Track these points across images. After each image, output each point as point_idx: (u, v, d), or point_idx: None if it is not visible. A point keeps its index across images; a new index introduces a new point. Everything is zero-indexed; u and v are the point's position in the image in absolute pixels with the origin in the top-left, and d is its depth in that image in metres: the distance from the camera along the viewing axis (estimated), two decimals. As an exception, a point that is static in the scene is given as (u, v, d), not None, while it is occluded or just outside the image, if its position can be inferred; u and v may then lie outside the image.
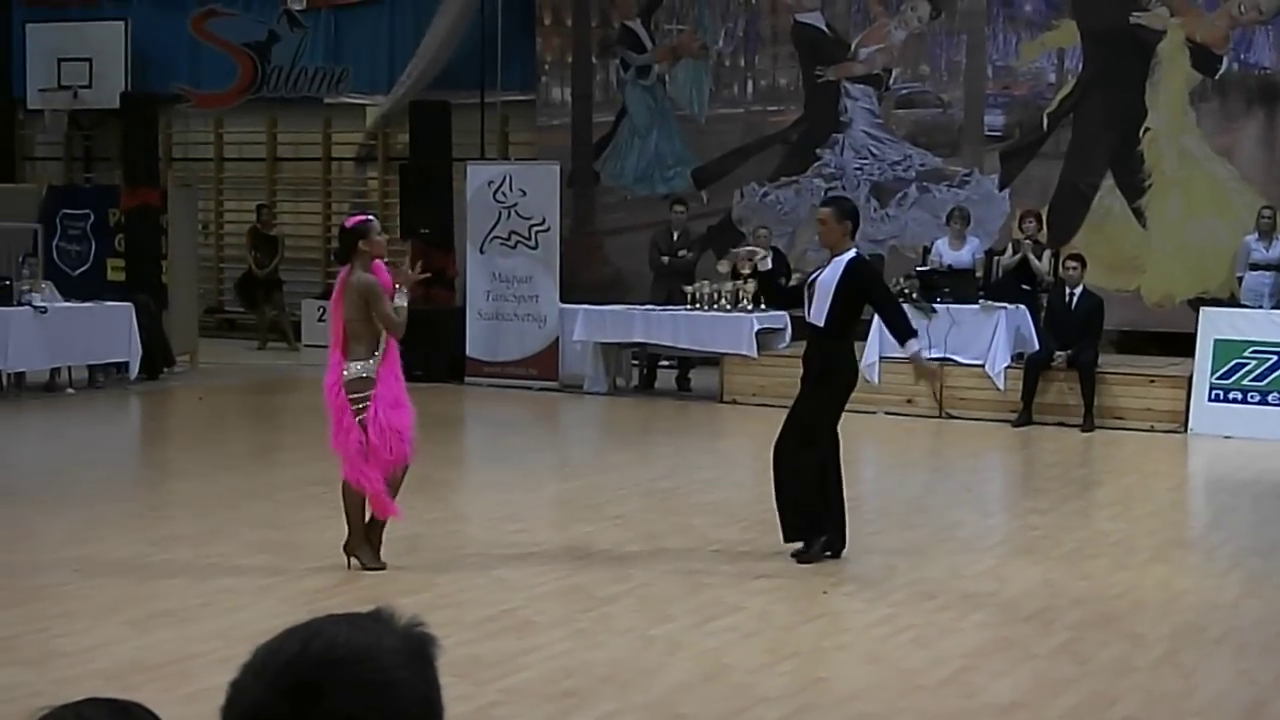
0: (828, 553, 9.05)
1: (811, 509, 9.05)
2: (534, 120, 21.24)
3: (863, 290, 9.07)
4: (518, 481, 11.92)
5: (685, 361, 17.40)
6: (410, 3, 22.13)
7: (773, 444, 9.31)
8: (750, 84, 19.90)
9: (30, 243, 20.11)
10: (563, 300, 17.62)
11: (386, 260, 9.14)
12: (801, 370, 9.39)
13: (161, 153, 22.08)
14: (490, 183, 17.97)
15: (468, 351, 17.91)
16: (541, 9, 21.08)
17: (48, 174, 24.67)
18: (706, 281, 16.89)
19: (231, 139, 23.93)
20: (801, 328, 16.93)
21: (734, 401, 16.33)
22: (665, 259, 17.68)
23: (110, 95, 22.64)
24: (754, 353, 16.28)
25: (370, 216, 9.52)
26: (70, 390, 16.88)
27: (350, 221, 9.14)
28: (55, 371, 16.94)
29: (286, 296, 21.91)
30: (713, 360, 16.80)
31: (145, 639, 7.31)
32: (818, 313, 9.02)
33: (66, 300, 17.09)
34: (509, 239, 17.80)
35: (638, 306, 17.21)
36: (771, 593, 8.39)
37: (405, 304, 8.91)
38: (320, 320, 21.73)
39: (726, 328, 16.38)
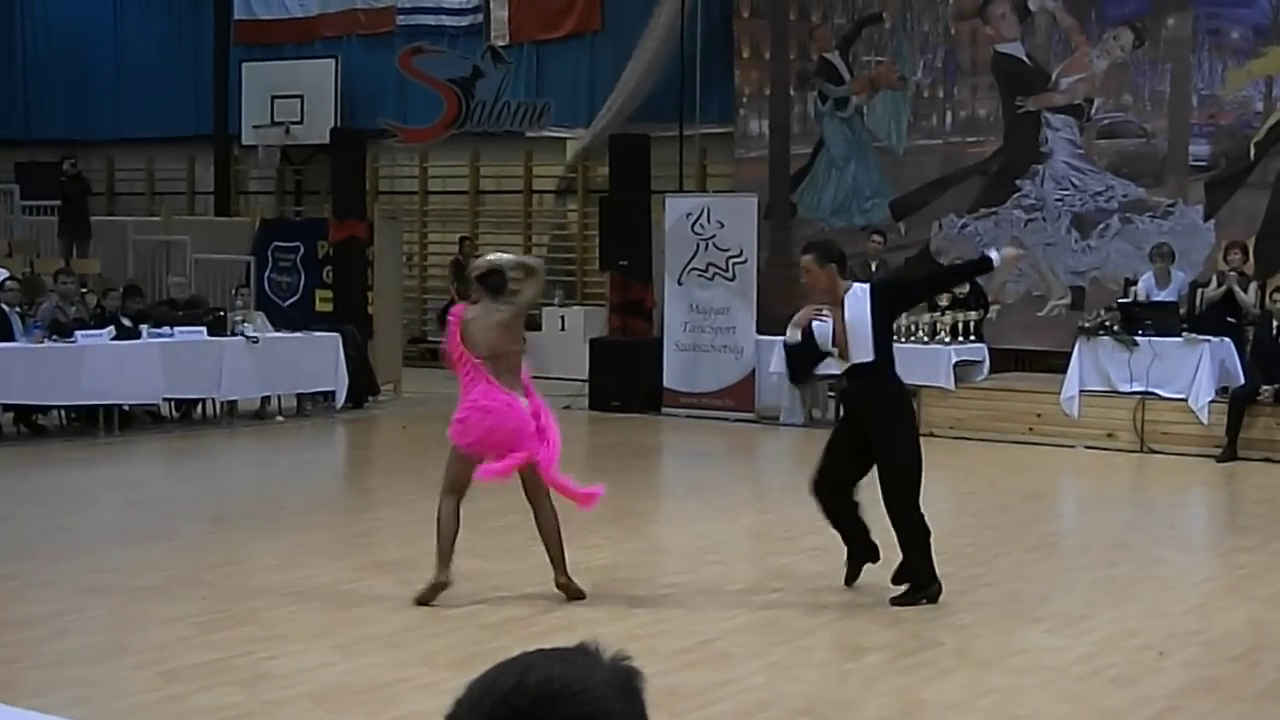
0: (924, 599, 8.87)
1: (922, 558, 8.89)
2: (732, 152, 21.36)
3: (903, 294, 8.96)
4: (714, 513, 11.99)
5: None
6: (611, 37, 22.41)
7: (816, 482, 9.17)
8: (949, 115, 19.78)
9: (243, 274, 20.76)
10: (759, 332, 17.67)
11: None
12: (853, 414, 9.22)
13: (368, 186, 22.64)
14: (688, 215, 18.12)
15: (665, 382, 18.05)
16: (740, 42, 21.20)
17: (260, 208, 25.44)
18: (904, 313, 16.81)
19: (435, 173, 24.43)
20: (1002, 360, 16.90)
21: (931, 434, 16.20)
22: (863, 291, 17.63)
23: (320, 131, 23.30)
24: (951, 385, 16.19)
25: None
26: (280, 418, 17.36)
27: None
28: (265, 400, 17.43)
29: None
30: (910, 391, 16.69)
31: (352, 663, 7.49)
32: (862, 350, 8.80)
33: (277, 330, 17.56)
34: (706, 271, 17.92)
35: (834, 338, 17.18)
36: (969, 628, 8.33)
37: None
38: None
39: (924, 359, 16.30)
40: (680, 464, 15.81)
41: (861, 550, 9.13)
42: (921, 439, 9.26)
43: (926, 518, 8.91)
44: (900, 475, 8.84)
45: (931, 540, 8.88)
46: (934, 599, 8.85)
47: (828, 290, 8.85)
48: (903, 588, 8.88)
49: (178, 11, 26.44)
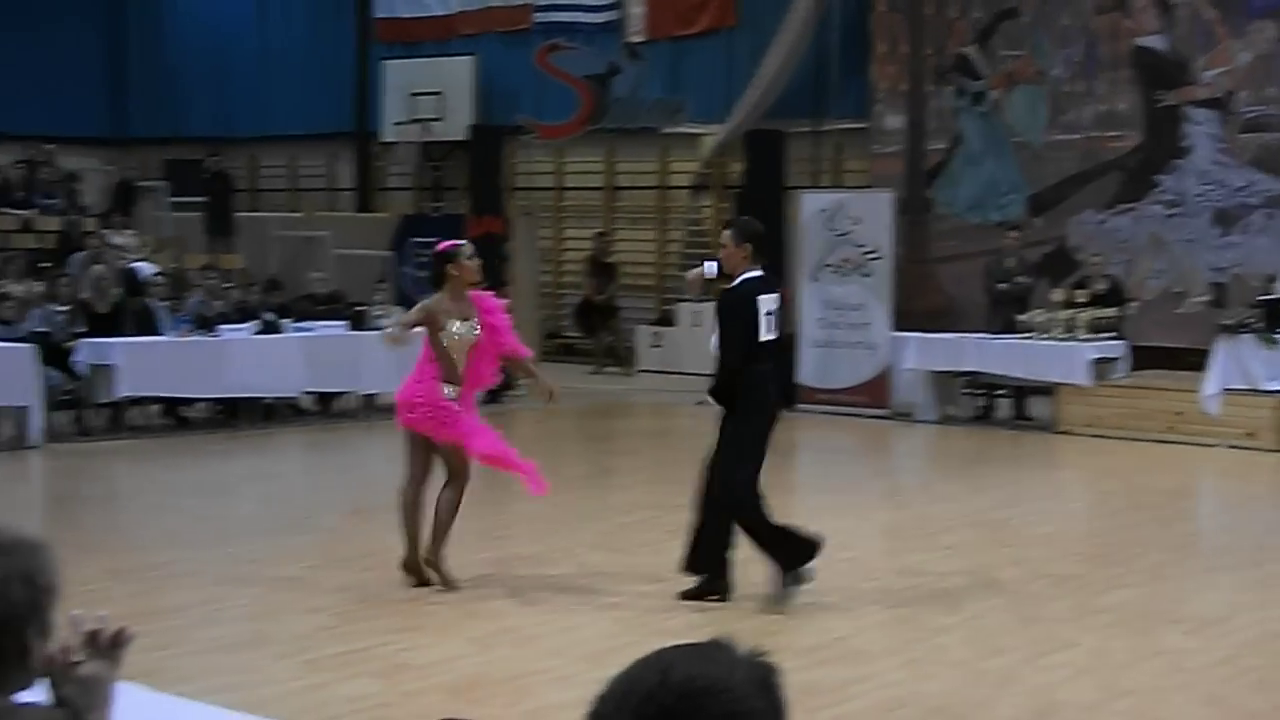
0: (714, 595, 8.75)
1: (716, 539, 8.74)
2: (868, 148, 21.27)
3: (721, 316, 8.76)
4: (849, 509, 11.97)
5: (1020, 391, 17.18)
6: (747, 33, 22.39)
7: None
8: (1088, 109, 19.52)
9: (383, 270, 21.02)
10: (894, 328, 17.60)
11: (476, 284, 9.15)
12: None
13: (506, 182, 22.81)
14: (823, 211, 18.08)
15: (799, 379, 18.02)
16: (876, 37, 21.10)
17: (399, 204, 25.72)
18: (1040, 310, 16.68)
19: (572, 169, 24.56)
20: (1141, 358, 16.68)
21: (1068, 432, 16.06)
22: (1001, 286, 17.51)
23: (459, 127, 23.55)
24: (1089, 382, 16.01)
25: (462, 242, 9.51)
26: (417, 412, 17.53)
27: (441, 246, 9.22)
28: (404, 393, 17.61)
29: (621, 322, 22.40)
30: (1047, 389, 16.57)
31: (487, 655, 7.58)
32: (719, 346, 8.81)
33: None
34: (841, 267, 17.88)
35: (970, 334, 17.09)
36: (1108, 629, 8.26)
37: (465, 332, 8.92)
38: (654, 347, 22.16)
39: (1060, 356, 16.14)
40: (814, 460, 15.79)
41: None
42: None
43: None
44: (738, 464, 8.73)
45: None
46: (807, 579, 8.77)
47: (734, 270, 8.80)
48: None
49: (320, 10, 26.81)
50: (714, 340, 8.89)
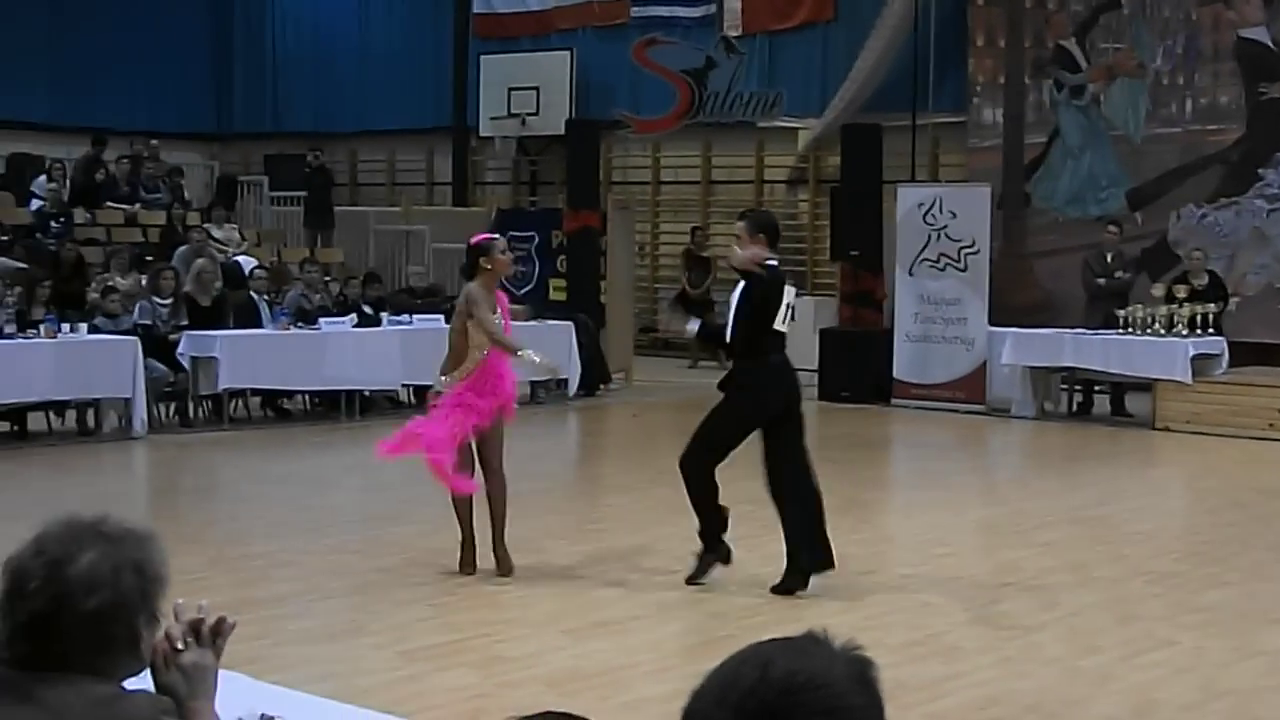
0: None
1: (702, 510, 8.85)
2: (965, 142, 21.16)
3: (751, 304, 8.75)
4: (943, 505, 11.93)
5: (1118, 387, 17.04)
6: (844, 26, 22.34)
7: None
8: (1189, 102, 19.33)
9: (479, 264, 21.01)
10: (991, 323, 17.50)
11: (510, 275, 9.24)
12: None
13: (602, 176, 22.88)
14: (920, 205, 18.01)
15: (895, 373, 17.97)
16: (974, 30, 20.98)
17: (497, 198, 25.87)
18: (1140, 305, 16.52)
19: (668, 163, 24.60)
20: (1242, 354, 16.48)
21: (1167, 429, 15.90)
22: (1099, 281, 17.37)
23: (556, 122, 23.66)
24: (1189, 378, 15.85)
25: (496, 236, 9.60)
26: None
27: (475, 239, 9.32)
28: (500, 387, 17.71)
29: (718, 316, 22.38)
30: (1145, 386, 16.42)
31: (582, 648, 7.63)
32: (731, 331, 8.87)
33: (512, 319, 17.84)
34: (938, 261, 17.79)
35: (1068, 330, 16.96)
36: (1206, 627, 8.18)
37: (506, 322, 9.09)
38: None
39: (1160, 352, 15.98)
40: (909, 455, 15.75)
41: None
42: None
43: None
44: (705, 440, 8.85)
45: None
46: (726, 560, 8.89)
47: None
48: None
49: (419, 7, 27.00)
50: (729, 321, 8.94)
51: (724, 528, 8.92)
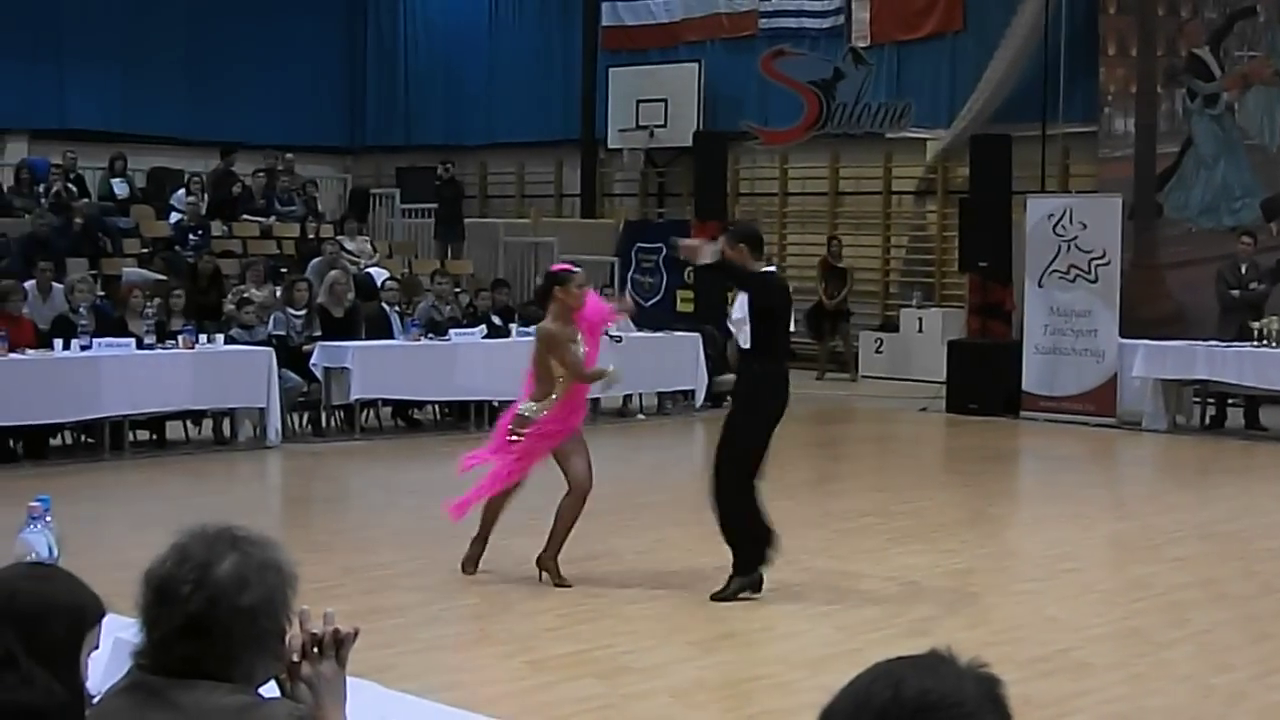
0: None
1: (741, 534, 8.82)
2: (1095, 152, 20.93)
3: (767, 305, 8.75)
4: (1071, 519, 11.82)
5: (1252, 400, 16.77)
6: (973, 36, 22.20)
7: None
8: (1327, 111, 18.99)
9: (608, 275, 21.24)
10: (1122, 335, 17.30)
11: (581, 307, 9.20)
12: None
13: (729, 188, 22.91)
14: (1050, 216, 17.85)
15: (1024, 385, 17.82)
16: (1106, 39, 20.76)
17: (625, 209, 26.00)
18: (1275, 317, 16.24)
19: (795, 174, 24.56)
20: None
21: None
22: (1233, 293, 17.11)
23: (683, 134, 23.74)
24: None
25: (577, 269, 9.54)
26: (640, 416, 17.76)
27: (556, 267, 9.35)
28: (627, 398, 17.83)
29: (851, 327, 22.33)
30: (1281, 399, 16.16)
31: (708, 659, 7.66)
32: (746, 336, 8.86)
33: (639, 330, 17.94)
34: (1068, 272, 17.62)
35: (1201, 342, 16.72)
36: (1340, 646, 8.06)
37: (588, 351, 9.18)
38: (878, 353, 22.07)
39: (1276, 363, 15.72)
40: (1038, 468, 15.60)
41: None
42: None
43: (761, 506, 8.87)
44: (733, 459, 8.94)
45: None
46: (757, 588, 8.82)
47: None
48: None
49: (548, 21, 27.21)
50: (743, 329, 8.95)
51: (768, 551, 8.91)
